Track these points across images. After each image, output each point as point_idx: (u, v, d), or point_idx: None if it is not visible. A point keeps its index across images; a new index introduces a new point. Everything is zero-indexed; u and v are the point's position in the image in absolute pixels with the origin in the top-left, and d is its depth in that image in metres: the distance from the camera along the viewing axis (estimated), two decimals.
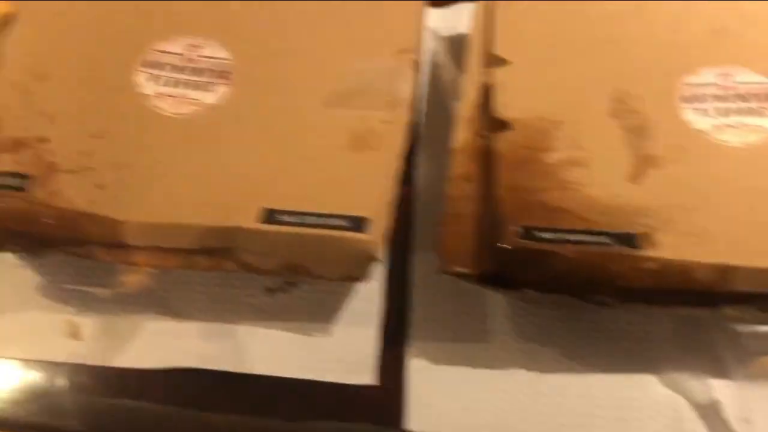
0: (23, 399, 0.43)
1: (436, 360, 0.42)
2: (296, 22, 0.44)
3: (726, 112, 0.40)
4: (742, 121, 0.39)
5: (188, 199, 0.39)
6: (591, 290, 0.36)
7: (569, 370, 0.41)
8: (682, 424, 0.39)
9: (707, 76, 0.41)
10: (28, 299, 0.44)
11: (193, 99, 0.42)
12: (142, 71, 0.42)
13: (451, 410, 0.40)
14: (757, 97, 0.40)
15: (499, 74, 0.42)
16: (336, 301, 0.44)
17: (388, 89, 0.42)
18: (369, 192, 0.38)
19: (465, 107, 0.42)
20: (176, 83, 0.42)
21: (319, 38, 0.44)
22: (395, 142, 0.40)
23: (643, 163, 0.38)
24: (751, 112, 0.40)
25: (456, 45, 0.50)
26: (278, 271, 0.39)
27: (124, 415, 0.42)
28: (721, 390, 0.40)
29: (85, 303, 0.44)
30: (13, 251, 0.40)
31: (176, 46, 0.43)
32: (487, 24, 0.44)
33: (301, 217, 0.37)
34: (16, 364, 0.43)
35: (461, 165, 0.40)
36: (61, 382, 0.43)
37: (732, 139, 0.39)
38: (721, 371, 0.40)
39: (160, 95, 0.42)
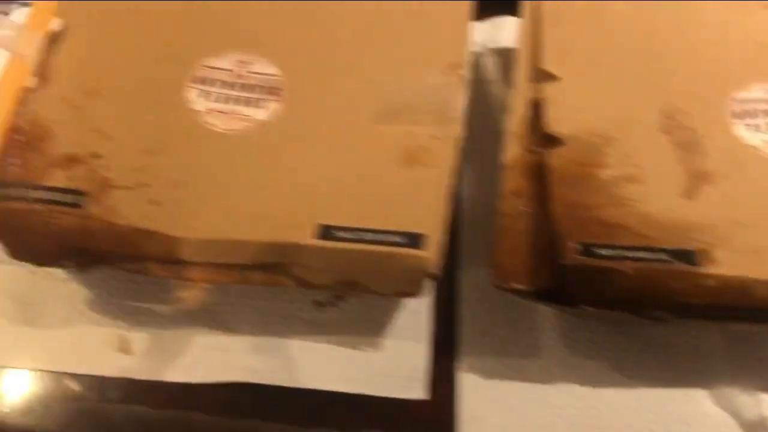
0: (70, 413, 0.43)
1: (486, 374, 0.42)
2: (344, 38, 0.45)
3: None
4: None
5: (244, 215, 0.39)
6: (649, 306, 0.36)
7: (620, 384, 0.41)
8: None
9: (758, 91, 0.41)
10: (78, 314, 0.45)
11: (245, 115, 0.42)
12: (192, 87, 0.43)
13: (503, 425, 0.41)
14: None
15: (549, 89, 0.42)
16: (384, 315, 0.44)
17: (437, 105, 0.42)
18: (424, 208, 0.38)
19: (514, 122, 0.42)
20: (227, 99, 0.42)
21: (366, 54, 0.44)
22: (447, 158, 0.40)
23: (696, 179, 0.38)
24: None
25: (497, 58, 0.50)
26: (333, 287, 0.39)
27: (175, 428, 0.43)
28: None
29: (135, 317, 0.44)
30: (68, 267, 0.40)
31: (226, 62, 0.44)
32: (534, 39, 0.44)
33: (357, 233, 0.38)
34: (66, 379, 0.44)
35: (512, 181, 0.40)
36: (111, 396, 0.43)
37: None
38: None
39: (211, 111, 0.42)
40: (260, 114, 0.42)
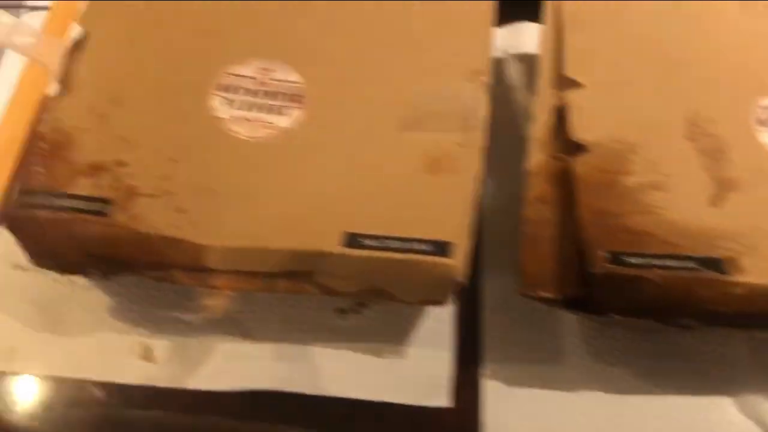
0: (93, 420, 0.43)
1: (510, 381, 0.42)
2: (366, 45, 0.45)
3: None
4: None
5: (269, 223, 0.39)
6: (676, 314, 0.36)
7: (645, 391, 0.41)
8: None
9: None
10: (100, 321, 0.45)
11: (268, 122, 0.42)
12: (216, 95, 0.43)
13: None
14: None
15: (572, 96, 0.42)
16: (408, 323, 0.44)
17: (461, 112, 0.42)
18: (449, 216, 0.38)
19: (537, 129, 0.42)
20: (250, 107, 0.43)
21: (388, 61, 0.44)
22: (472, 165, 0.40)
23: (722, 187, 0.38)
24: None
25: (518, 64, 0.50)
26: (357, 295, 0.39)
27: None
28: None
29: (157, 325, 0.44)
30: (92, 275, 0.40)
31: (249, 69, 0.44)
32: (556, 45, 0.44)
33: (383, 241, 0.38)
34: (88, 386, 0.44)
35: (537, 187, 0.40)
36: (133, 403, 0.43)
37: None
38: None
39: (235, 119, 0.42)
40: (283, 121, 0.42)
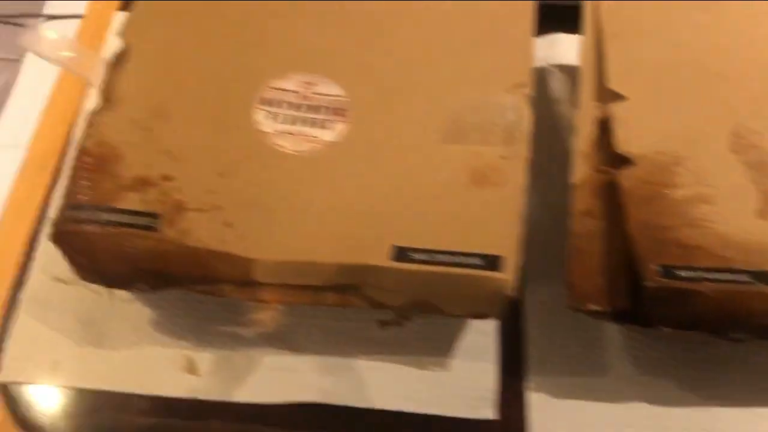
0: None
1: (555, 393, 0.42)
2: (407, 57, 0.45)
3: None
4: None
5: (317, 237, 0.39)
6: (728, 328, 0.36)
7: (691, 403, 0.41)
8: None
9: None
10: (143, 334, 0.45)
11: (312, 136, 0.42)
12: (260, 109, 0.43)
13: None
14: None
15: (615, 109, 0.42)
16: (450, 335, 0.44)
17: (504, 124, 0.42)
18: (498, 229, 0.38)
19: (581, 142, 0.42)
20: (294, 121, 0.43)
21: (429, 73, 0.44)
22: (516, 178, 0.40)
23: None
24: None
25: (557, 75, 0.50)
26: (405, 308, 0.40)
27: None
28: None
29: (200, 337, 0.45)
30: (140, 289, 0.40)
31: (291, 83, 0.44)
32: (597, 56, 0.44)
33: (432, 255, 0.38)
34: (133, 399, 0.44)
35: (583, 201, 0.40)
36: (177, 416, 0.43)
37: None
38: None
39: (279, 133, 0.42)
40: (327, 135, 0.42)
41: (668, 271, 0.36)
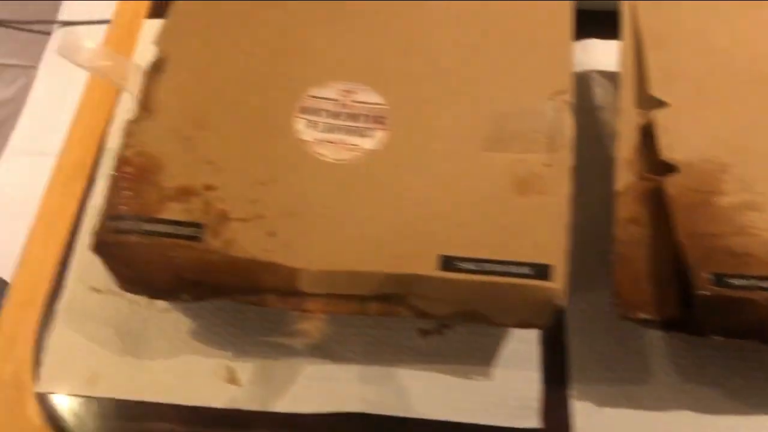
0: None
1: (599, 401, 0.42)
2: (446, 65, 0.45)
3: None
4: None
5: (362, 246, 0.39)
6: None
7: (735, 410, 0.41)
8: None
9: None
10: (182, 344, 0.45)
11: (353, 145, 0.42)
12: (300, 117, 0.43)
13: None
14: None
15: (658, 115, 0.42)
16: (492, 344, 0.44)
17: (546, 132, 0.42)
18: (546, 237, 0.38)
19: (624, 149, 0.42)
20: (333, 129, 0.42)
21: (469, 81, 0.44)
22: (561, 186, 0.40)
23: None
24: None
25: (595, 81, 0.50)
26: (451, 317, 0.39)
27: None
28: None
29: (240, 347, 0.44)
30: (183, 300, 0.40)
31: (330, 91, 0.44)
32: (637, 62, 0.44)
33: (480, 264, 0.37)
34: (173, 410, 0.43)
35: (627, 208, 0.40)
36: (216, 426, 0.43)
37: None
38: None
39: (319, 141, 0.42)
40: (368, 143, 0.42)
41: (720, 280, 0.36)
